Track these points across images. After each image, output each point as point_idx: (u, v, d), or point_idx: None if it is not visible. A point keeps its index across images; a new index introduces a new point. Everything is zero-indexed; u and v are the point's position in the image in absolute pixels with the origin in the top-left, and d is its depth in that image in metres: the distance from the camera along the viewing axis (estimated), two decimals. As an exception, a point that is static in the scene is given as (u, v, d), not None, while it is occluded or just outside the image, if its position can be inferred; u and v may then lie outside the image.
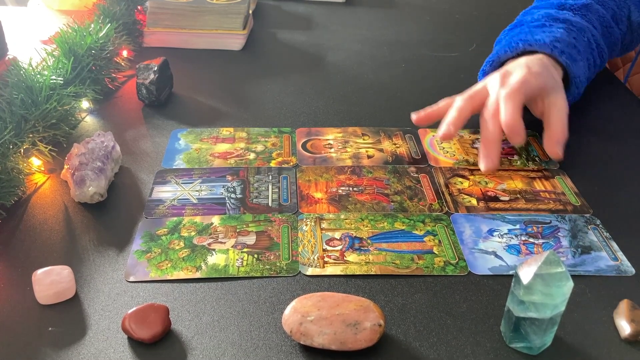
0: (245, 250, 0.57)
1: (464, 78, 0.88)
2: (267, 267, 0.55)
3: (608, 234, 0.60)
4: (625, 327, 0.49)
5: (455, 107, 0.70)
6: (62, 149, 0.70)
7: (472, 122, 0.78)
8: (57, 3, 1.12)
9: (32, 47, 0.82)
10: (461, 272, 0.55)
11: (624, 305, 0.50)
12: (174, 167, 0.69)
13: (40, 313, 0.50)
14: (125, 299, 0.51)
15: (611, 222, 0.61)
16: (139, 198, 0.64)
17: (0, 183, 0.60)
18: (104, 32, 0.85)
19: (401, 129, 0.77)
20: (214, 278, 0.54)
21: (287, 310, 0.48)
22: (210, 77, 0.90)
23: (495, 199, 0.64)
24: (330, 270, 0.55)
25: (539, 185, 0.67)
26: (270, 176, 0.67)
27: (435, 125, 0.77)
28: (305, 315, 0.46)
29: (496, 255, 0.57)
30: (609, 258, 0.57)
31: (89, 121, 0.78)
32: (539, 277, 0.44)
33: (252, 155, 0.71)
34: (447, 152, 0.72)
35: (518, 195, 0.65)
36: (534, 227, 0.60)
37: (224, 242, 0.58)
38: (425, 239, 0.59)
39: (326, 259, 0.56)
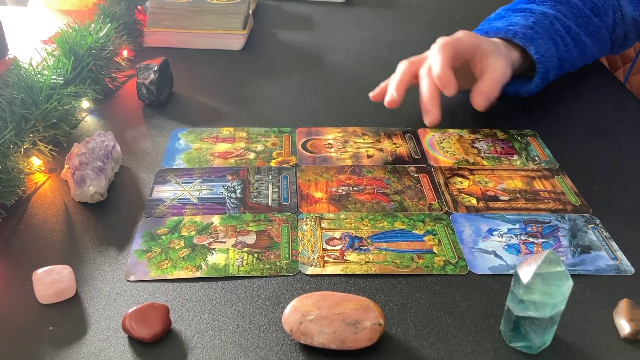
0: (245, 249, 0.57)
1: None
2: (267, 266, 0.55)
3: (607, 233, 0.60)
4: (624, 326, 0.49)
5: (396, 73, 0.75)
6: (62, 148, 0.70)
7: (472, 122, 0.78)
8: (57, 3, 1.12)
9: (33, 47, 0.82)
10: (461, 272, 0.55)
11: (623, 305, 0.50)
12: (174, 167, 0.69)
13: (41, 312, 0.50)
14: (125, 298, 0.51)
15: (611, 221, 0.61)
16: (139, 197, 0.64)
17: (0, 182, 0.60)
18: (104, 32, 0.85)
19: (401, 128, 0.77)
20: (214, 277, 0.54)
21: (287, 310, 0.48)
22: (210, 77, 0.90)
23: (495, 198, 0.65)
24: (330, 269, 0.55)
25: (538, 185, 0.67)
26: (270, 176, 0.67)
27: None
28: (305, 314, 0.46)
29: (496, 255, 0.57)
30: (608, 257, 0.57)
31: (89, 121, 0.78)
32: (539, 276, 0.44)
33: (252, 155, 0.71)
34: (447, 151, 0.72)
35: (518, 195, 0.65)
36: (534, 227, 0.61)
37: (224, 242, 0.58)
38: (425, 238, 0.59)
39: (326, 259, 0.56)
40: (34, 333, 0.48)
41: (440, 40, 0.73)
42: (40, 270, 0.51)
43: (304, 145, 0.73)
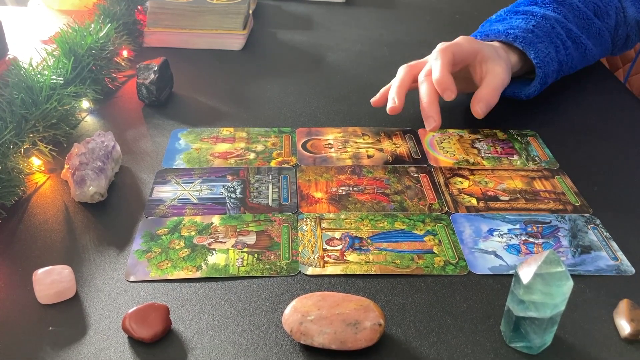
0: (245, 249, 0.57)
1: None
2: (268, 266, 0.55)
3: (608, 233, 0.60)
4: (625, 327, 0.49)
5: (396, 78, 0.75)
6: (62, 148, 0.70)
7: (473, 122, 0.78)
8: (57, 3, 1.12)
9: (33, 47, 0.82)
10: (461, 272, 0.55)
11: (623, 305, 0.50)
12: (174, 167, 0.69)
13: (41, 312, 0.50)
14: (125, 299, 0.51)
15: (611, 221, 0.61)
16: (139, 198, 0.64)
17: (0, 183, 0.60)
18: (104, 32, 0.85)
19: (401, 128, 0.77)
20: (214, 278, 0.54)
21: (287, 310, 0.48)
22: (210, 77, 0.90)
23: (495, 198, 0.65)
24: (330, 269, 0.55)
25: (538, 185, 0.67)
26: (271, 176, 0.67)
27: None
28: (305, 314, 0.46)
29: (496, 255, 0.57)
30: (608, 258, 0.57)
31: (89, 121, 0.78)
32: (539, 276, 0.44)
33: (252, 155, 0.71)
34: (447, 152, 0.72)
35: (518, 195, 0.65)
36: (534, 227, 0.60)
37: (224, 242, 0.58)
38: (425, 238, 0.59)
39: (326, 259, 0.56)
40: (34, 333, 0.48)
41: (440, 45, 0.73)
42: (40, 271, 0.51)
43: (304, 146, 0.73)
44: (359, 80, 0.90)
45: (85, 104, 0.79)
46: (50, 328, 0.48)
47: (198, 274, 0.54)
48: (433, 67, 0.71)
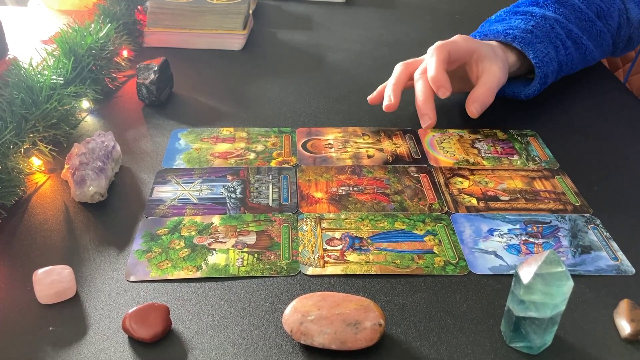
0: (245, 250, 0.57)
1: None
2: (268, 266, 0.55)
3: (608, 233, 0.60)
4: (625, 327, 0.49)
5: (392, 76, 0.76)
6: (62, 148, 0.70)
7: (472, 122, 0.78)
8: (57, 3, 1.12)
9: (33, 47, 0.82)
10: (461, 272, 0.55)
11: (624, 305, 0.50)
12: (174, 167, 0.69)
13: (41, 313, 0.50)
14: (125, 299, 0.51)
15: (611, 222, 0.61)
16: (140, 198, 0.64)
17: (0, 183, 0.60)
18: (104, 32, 0.85)
19: (401, 128, 0.77)
20: (214, 278, 0.54)
21: (288, 310, 0.48)
22: (210, 77, 0.90)
23: (495, 198, 0.65)
24: (330, 269, 0.55)
25: (539, 185, 0.67)
26: (271, 176, 0.67)
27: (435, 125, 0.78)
28: (305, 314, 0.46)
29: (496, 255, 0.57)
30: (609, 258, 0.57)
31: (89, 121, 0.78)
32: (539, 276, 0.44)
33: (252, 155, 0.71)
34: (447, 152, 0.72)
35: (518, 195, 0.65)
36: (534, 227, 0.60)
37: (225, 242, 0.58)
38: (425, 238, 0.59)
39: (326, 259, 0.56)
40: (34, 333, 0.48)
41: (436, 43, 0.73)
42: (40, 271, 0.51)
43: (304, 146, 0.73)
44: (359, 80, 0.90)
45: (85, 104, 0.79)
46: (50, 328, 0.48)
47: (198, 274, 0.54)
48: (428, 64, 0.72)
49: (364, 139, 0.75)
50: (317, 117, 0.80)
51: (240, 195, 0.64)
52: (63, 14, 1.10)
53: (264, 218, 0.61)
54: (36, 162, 0.67)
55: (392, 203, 0.64)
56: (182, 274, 0.54)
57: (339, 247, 0.57)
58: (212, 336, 0.48)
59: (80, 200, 0.62)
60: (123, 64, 0.89)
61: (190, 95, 0.85)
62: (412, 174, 0.68)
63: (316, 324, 0.46)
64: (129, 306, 0.50)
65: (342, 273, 0.55)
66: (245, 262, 0.55)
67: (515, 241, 0.59)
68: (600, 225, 0.61)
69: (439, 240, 0.58)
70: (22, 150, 0.65)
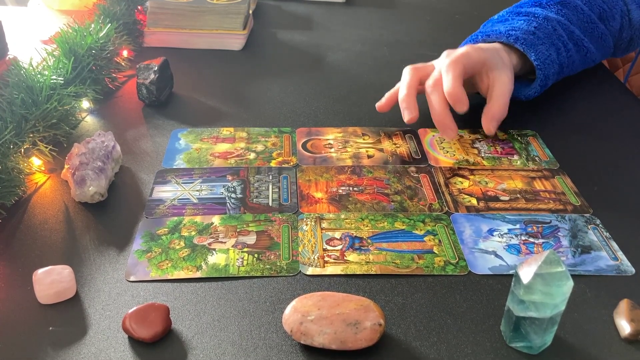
0: (245, 249, 0.57)
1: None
2: (268, 266, 0.55)
3: (608, 233, 0.60)
4: (625, 327, 0.49)
5: (404, 84, 0.75)
6: (62, 148, 0.70)
7: (472, 122, 0.78)
8: (57, 3, 1.12)
9: (33, 47, 0.82)
10: (461, 272, 0.55)
11: (624, 305, 0.50)
12: (174, 167, 0.69)
13: (41, 313, 0.50)
14: (125, 299, 0.51)
15: (611, 222, 0.61)
16: (140, 198, 0.64)
17: (0, 183, 0.60)
18: (104, 32, 0.85)
19: (401, 128, 0.77)
20: (214, 278, 0.54)
21: (288, 310, 0.48)
22: (210, 77, 0.90)
23: (495, 198, 0.65)
24: (330, 269, 0.55)
25: (539, 185, 0.67)
26: (271, 176, 0.67)
27: (433, 124, 0.78)
28: (305, 314, 0.46)
29: (496, 255, 0.57)
30: (608, 258, 0.57)
31: (89, 121, 0.78)
32: (539, 276, 0.44)
33: (252, 155, 0.71)
34: (447, 152, 0.72)
35: (518, 195, 0.65)
36: (534, 227, 0.60)
37: (225, 242, 0.58)
38: (425, 238, 0.59)
39: (326, 259, 0.56)
40: (34, 333, 0.48)
41: (451, 56, 0.72)
42: (40, 271, 0.51)
43: (304, 146, 0.73)
44: (359, 80, 0.90)
45: (85, 104, 0.79)
46: (50, 328, 0.48)
47: (198, 274, 0.54)
48: (445, 79, 0.71)
49: (364, 139, 0.75)
50: (317, 117, 0.80)
51: (240, 195, 0.64)
52: (63, 14, 1.10)
53: (264, 218, 0.61)
54: (36, 162, 0.67)
55: (392, 203, 0.64)
56: (182, 274, 0.54)
57: (339, 247, 0.57)
58: (212, 336, 0.48)
59: (80, 200, 0.62)
60: (123, 64, 0.89)
61: (190, 95, 0.85)
62: (412, 174, 0.68)
63: (316, 324, 0.46)
64: (129, 306, 0.50)
65: (342, 273, 0.55)
66: (245, 262, 0.55)
67: (515, 241, 0.59)
68: (600, 225, 0.61)
69: (439, 240, 0.58)
70: (22, 150, 0.65)
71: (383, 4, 1.21)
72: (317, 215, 0.61)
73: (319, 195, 0.65)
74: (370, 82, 0.89)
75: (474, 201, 0.64)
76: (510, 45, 0.78)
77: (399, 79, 0.76)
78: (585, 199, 0.65)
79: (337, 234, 0.59)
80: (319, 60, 0.96)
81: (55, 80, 0.73)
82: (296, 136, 0.75)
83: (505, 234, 0.59)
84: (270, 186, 0.66)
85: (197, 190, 0.65)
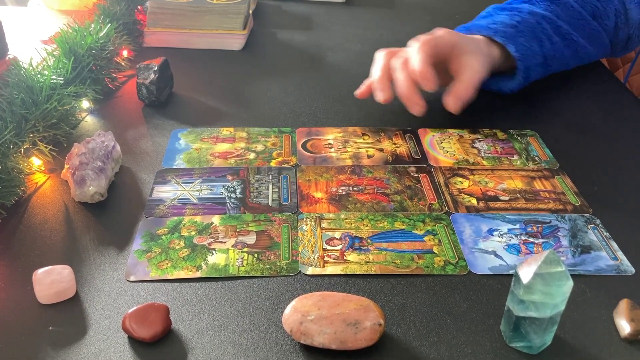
0: (245, 249, 0.57)
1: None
2: (267, 266, 0.55)
3: (608, 233, 0.60)
4: (625, 327, 0.49)
5: (377, 67, 0.76)
6: (62, 148, 0.70)
7: (473, 122, 0.78)
8: (57, 3, 1.12)
9: (33, 47, 0.82)
10: (461, 272, 0.55)
11: (623, 305, 0.50)
12: (174, 167, 0.69)
13: (41, 312, 0.50)
14: (125, 299, 0.51)
15: (611, 221, 0.61)
16: (140, 198, 0.64)
17: (0, 183, 0.60)
18: (104, 32, 0.85)
19: (401, 128, 0.77)
20: (214, 277, 0.54)
21: (287, 310, 0.48)
22: (210, 77, 0.90)
23: (495, 198, 0.65)
24: (330, 269, 0.55)
25: (538, 185, 0.67)
26: (271, 176, 0.67)
27: (433, 124, 0.78)
28: (305, 314, 0.46)
29: (496, 255, 0.57)
30: (608, 257, 0.57)
31: (89, 121, 0.78)
32: (539, 276, 0.44)
33: (252, 155, 0.71)
34: (447, 152, 0.72)
35: (518, 195, 0.65)
36: (534, 227, 0.60)
37: (224, 242, 0.58)
38: (425, 238, 0.59)
39: (326, 259, 0.56)
40: (34, 333, 0.48)
41: (421, 38, 0.74)
42: (40, 271, 0.51)
43: (304, 146, 0.73)
44: (359, 80, 0.90)
45: (85, 104, 0.79)
46: (50, 328, 0.48)
47: (198, 274, 0.54)
48: (413, 59, 0.71)
49: (364, 139, 0.75)
50: (317, 117, 0.80)
51: (240, 195, 0.64)
52: (63, 14, 1.10)
53: (264, 218, 0.61)
54: (36, 162, 0.67)
55: (392, 203, 0.64)
56: (182, 274, 0.54)
57: (339, 247, 0.57)
58: (212, 336, 0.48)
59: (80, 200, 0.62)
60: (123, 64, 0.89)
61: (190, 95, 0.85)
62: (412, 174, 0.68)
63: (316, 324, 0.46)
64: (129, 306, 0.50)
65: (342, 273, 0.55)
66: (245, 262, 0.55)
67: (515, 241, 0.59)
68: (600, 225, 0.61)
69: (439, 240, 0.58)
70: (22, 150, 0.65)
71: (383, 4, 1.21)
72: (317, 215, 0.61)
73: (318, 195, 0.65)
74: (370, 82, 0.89)
75: (473, 201, 0.64)
76: (491, 39, 0.79)
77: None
78: (585, 199, 0.65)
79: (337, 234, 0.59)
80: (319, 60, 0.96)
81: (55, 80, 0.73)
82: (296, 136, 0.75)
83: (505, 233, 0.59)
84: (270, 186, 0.66)
85: (197, 190, 0.65)
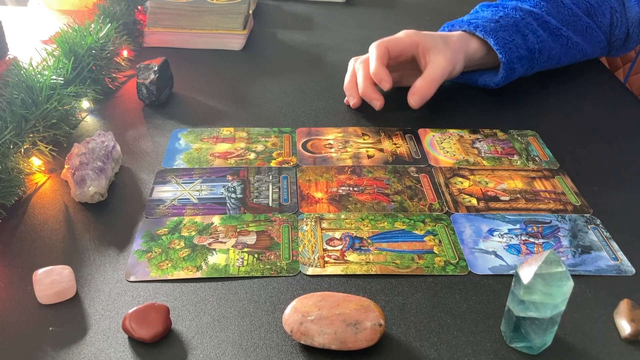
0: (245, 250, 0.57)
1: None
2: (268, 266, 0.55)
3: (608, 233, 0.60)
4: (625, 327, 0.49)
5: (347, 74, 0.82)
6: (62, 148, 0.70)
7: (473, 122, 0.78)
8: (57, 3, 1.12)
9: (33, 47, 0.82)
10: (461, 272, 0.55)
11: (624, 305, 0.50)
12: (174, 167, 0.69)
13: (41, 313, 0.50)
14: (125, 299, 0.51)
15: (611, 222, 0.61)
16: (140, 198, 0.64)
17: (0, 183, 0.60)
18: (104, 32, 0.85)
19: (401, 128, 0.77)
20: (214, 278, 0.54)
21: (288, 310, 0.48)
22: (210, 77, 0.90)
23: (496, 198, 0.65)
24: (330, 270, 0.55)
25: (539, 185, 0.67)
26: (271, 176, 0.67)
27: (433, 124, 0.78)
28: (305, 314, 0.46)
29: (496, 255, 0.57)
30: (609, 258, 0.57)
31: (89, 121, 0.78)
32: (539, 276, 0.44)
33: (252, 155, 0.71)
34: (447, 152, 0.72)
35: (518, 195, 0.65)
36: (534, 227, 0.60)
37: (225, 242, 0.58)
38: (425, 238, 0.59)
39: (326, 259, 0.56)
40: (34, 333, 0.48)
41: (380, 40, 0.78)
42: (40, 271, 0.51)
43: (304, 146, 0.73)
44: (359, 80, 0.90)
45: (85, 104, 0.79)
46: (50, 328, 0.48)
47: (198, 274, 0.54)
48: (370, 60, 0.77)
49: (364, 139, 0.75)
50: (317, 117, 0.80)
51: (240, 195, 0.64)
52: (63, 14, 1.10)
53: (264, 218, 0.61)
54: (36, 162, 0.67)
55: (392, 203, 0.63)
56: (182, 274, 0.54)
57: (339, 247, 0.57)
58: (212, 336, 0.48)
59: (80, 200, 0.62)
60: (123, 64, 0.89)
61: (190, 95, 0.85)
62: (412, 174, 0.68)
63: (316, 324, 0.46)
64: (129, 306, 0.50)
65: (342, 273, 0.55)
66: (245, 262, 0.55)
67: (515, 241, 0.59)
68: (600, 225, 0.61)
69: (439, 240, 0.58)
70: (22, 150, 0.65)
71: (383, 4, 1.21)
72: (317, 215, 0.61)
73: (319, 195, 0.65)
74: (370, 82, 0.89)
75: (474, 201, 0.64)
76: (472, 34, 0.81)
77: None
78: (585, 199, 0.65)
79: (337, 234, 0.59)
80: (319, 60, 0.96)
81: (55, 80, 0.73)
82: (296, 136, 0.75)
83: (506, 234, 0.59)
84: (270, 186, 0.66)
85: (197, 190, 0.65)
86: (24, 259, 0.55)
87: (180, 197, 0.64)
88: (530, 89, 0.87)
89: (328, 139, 0.75)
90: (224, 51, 0.98)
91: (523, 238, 0.59)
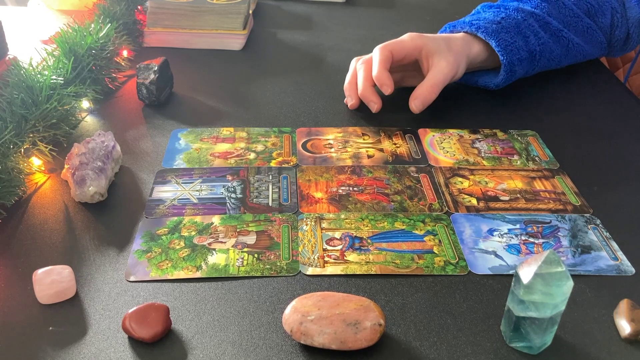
0: (245, 250, 0.57)
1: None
2: (268, 266, 0.55)
3: (608, 233, 0.60)
4: (625, 327, 0.49)
5: (348, 74, 0.82)
6: (62, 148, 0.70)
7: (473, 122, 0.78)
8: (57, 3, 1.12)
9: (33, 47, 0.82)
10: (461, 272, 0.55)
11: (624, 305, 0.50)
12: (174, 167, 0.69)
13: (41, 312, 0.50)
14: (125, 299, 0.51)
15: (611, 222, 0.61)
16: (140, 198, 0.64)
17: (0, 183, 0.60)
18: (104, 32, 0.85)
19: (401, 128, 0.77)
20: (214, 278, 0.54)
21: (288, 310, 0.48)
22: (210, 77, 0.90)
23: (496, 198, 0.65)
24: (330, 270, 0.55)
25: (539, 185, 0.67)
26: (271, 176, 0.67)
27: (433, 124, 0.78)
28: (305, 314, 0.46)
29: (496, 255, 0.57)
30: (609, 258, 0.57)
31: (89, 121, 0.78)
32: (539, 276, 0.44)
33: (252, 155, 0.71)
34: (447, 152, 0.72)
35: (518, 195, 0.65)
36: (534, 227, 0.60)
37: (224, 242, 0.58)
38: (425, 238, 0.59)
39: (326, 259, 0.56)
40: (34, 333, 0.48)
41: (383, 44, 0.78)
42: (40, 271, 0.51)
43: (304, 146, 0.73)
44: (359, 80, 0.90)
45: (85, 104, 0.79)
46: (50, 328, 0.48)
47: (198, 274, 0.54)
48: (373, 63, 0.77)
49: (364, 139, 0.75)
50: (317, 117, 0.80)
51: (240, 195, 0.64)
52: (63, 14, 1.10)
53: (264, 218, 0.61)
54: (36, 162, 0.67)
55: (392, 203, 0.63)
56: (182, 274, 0.54)
57: (339, 247, 0.57)
58: (212, 336, 0.48)
59: (80, 200, 0.62)
60: (123, 64, 0.89)
61: (190, 95, 0.85)
62: (412, 174, 0.68)
63: (316, 324, 0.46)
64: (129, 306, 0.50)
65: (342, 273, 0.55)
66: (245, 262, 0.55)
67: (515, 241, 0.59)
68: (600, 225, 0.61)
69: (439, 240, 0.58)
70: (22, 150, 0.65)
71: (383, 4, 1.21)
72: (317, 215, 0.61)
73: (319, 195, 0.65)
74: (370, 82, 0.89)
75: (474, 201, 0.64)
76: (474, 35, 0.81)
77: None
78: (585, 199, 0.65)
79: (337, 234, 0.59)
80: (319, 60, 0.96)
81: (55, 80, 0.73)
82: (296, 136, 0.75)
83: (505, 234, 0.59)
84: (270, 186, 0.66)
85: (197, 190, 0.65)
86: (24, 259, 0.55)
87: (180, 197, 0.64)
88: (530, 89, 0.87)
89: (328, 139, 0.75)
90: (224, 51, 0.98)
91: (523, 238, 0.59)
